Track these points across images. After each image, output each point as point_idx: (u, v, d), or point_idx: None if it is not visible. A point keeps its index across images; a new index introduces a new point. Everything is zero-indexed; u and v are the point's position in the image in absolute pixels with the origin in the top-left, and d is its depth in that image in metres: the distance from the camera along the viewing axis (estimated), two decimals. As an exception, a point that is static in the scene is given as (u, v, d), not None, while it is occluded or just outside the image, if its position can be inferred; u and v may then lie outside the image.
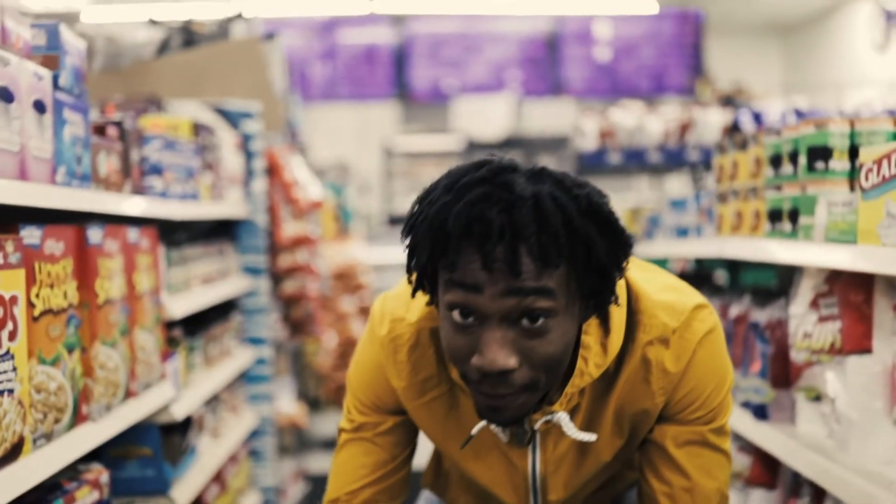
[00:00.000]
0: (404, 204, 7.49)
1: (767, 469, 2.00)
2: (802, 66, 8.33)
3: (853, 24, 7.47)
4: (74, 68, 1.51)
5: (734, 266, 2.52)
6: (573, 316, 1.09)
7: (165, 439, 1.92)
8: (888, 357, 1.53)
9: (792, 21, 8.35)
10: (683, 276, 2.24)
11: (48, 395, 1.31)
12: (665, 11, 8.22)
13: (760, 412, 1.87)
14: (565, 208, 1.03)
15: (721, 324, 1.24)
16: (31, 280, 1.25)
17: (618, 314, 1.17)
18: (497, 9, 8.11)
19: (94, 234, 1.49)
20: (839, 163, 1.66)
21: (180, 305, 2.01)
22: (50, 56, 1.43)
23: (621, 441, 1.25)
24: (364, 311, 4.85)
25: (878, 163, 1.40)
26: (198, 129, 2.29)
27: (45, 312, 1.30)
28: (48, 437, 1.31)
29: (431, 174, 1.14)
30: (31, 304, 1.25)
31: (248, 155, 2.88)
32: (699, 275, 2.80)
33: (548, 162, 1.27)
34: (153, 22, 3.14)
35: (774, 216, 1.83)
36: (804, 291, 1.76)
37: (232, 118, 2.81)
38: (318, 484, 3.57)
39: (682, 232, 2.67)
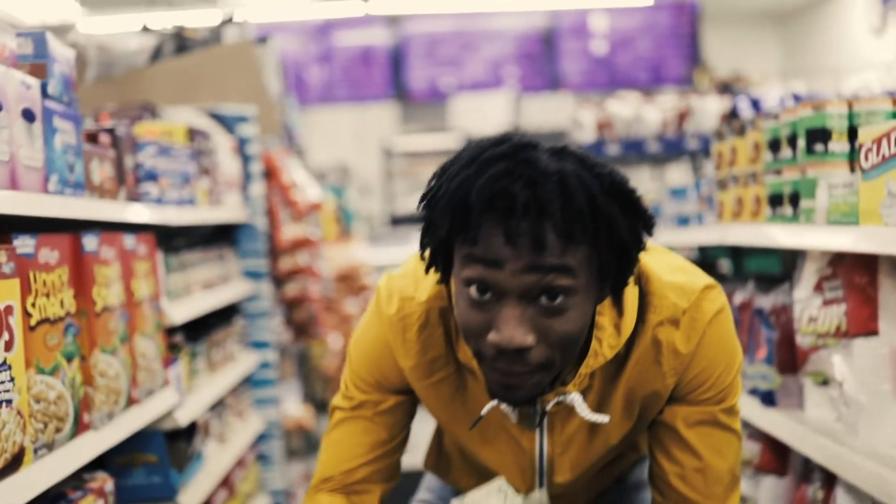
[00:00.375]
0: (405, 204, 7.54)
1: (777, 456, 1.99)
2: (800, 52, 8.31)
3: (850, 8, 7.45)
4: (63, 76, 1.50)
5: (737, 254, 2.51)
6: (591, 296, 1.08)
7: (171, 446, 1.91)
8: (895, 338, 1.51)
9: (788, 8, 8.33)
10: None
11: (48, 404, 1.30)
12: (660, 2, 8.21)
13: (768, 399, 1.85)
14: (589, 186, 1.02)
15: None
16: (26, 289, 1.24)
17: (631, 295, 1.16)
18: (492, 6, 8.11)
19: (90, 241, 1.48)
20: (838, 144, 1.64)
21: (181, 311, 2.00)
22: (37, 65, 1.42)
23: (630, 423, 1.25)
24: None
25: (878, 142, 1.39)
26: (193, 134, 2.28)
27: (41, 322, 1.29)
28: (49, 446, 1.30)
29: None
30: (27, 314, 1.25)
31: (245, 159, 2.87)
32: (702, 264, 2.77)
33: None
34: (146, 29, 3.13)
35: (775, 201, 1.81)
36: (808, 275, 1.75)
37: (227, 122, 2.81)
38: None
39: (683, 221, 2.66)
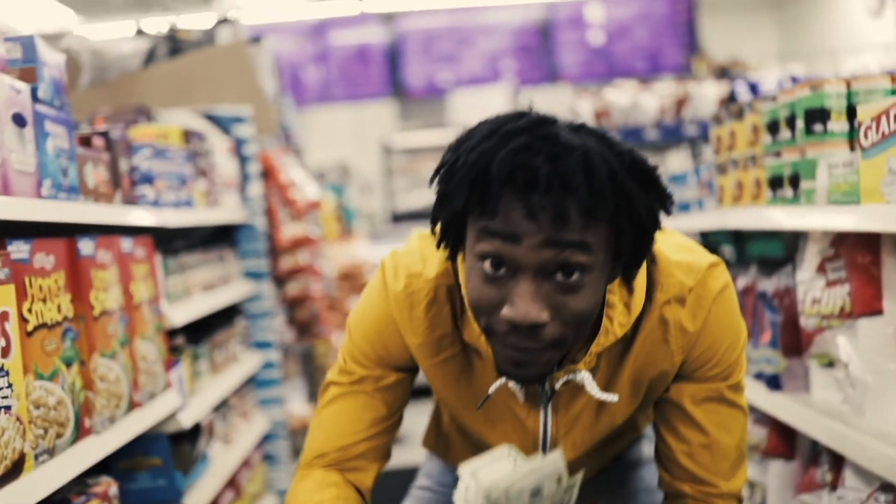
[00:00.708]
0: (406, 201, 7.52)
1: (784, 439, 1.97)
2: (798, 36, 8.27)
3: (847, -10, 7.41)
4: (54, 80, 1.49)
5: (740, 239, 2.49)
6: (605, 274, 1.07)
7: (175, 448, 1.91)
8: (899, 317, 1.50)
9: (784, -9, 8.29)
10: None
11: (48, 410, 1.30)
12: (656, -10, 8.17)
13: (773, 382, 1.84)
14: (611, 163, 1.01)
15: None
16: (22, 295, 1.24)
17: (640, 274, 1.15)
18: (487, 0, 8.08)
19: (86, 245, 1.47)
20: (837, 124, 1.62)
21: (181, 313, 2.00)
22: (27, 69, 1.41)
23: (636, 403, 1.24)
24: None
25: (877, 120, 1.37)
26: (188, 135, 2.27)
27: (38, 327, 1.28)
28: (51, 452, 1.29)
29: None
30: (23, 320, 1.24)
31: (242, 159, 2.86)
32: (705, 249, 2.77)
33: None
34: (139, 32, 3.12)
35: (775, 183, 1.80)
36: (810, 257, 1.73)
37: (223, 123, 2.80)
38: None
39: (684, 206, 2.64)
